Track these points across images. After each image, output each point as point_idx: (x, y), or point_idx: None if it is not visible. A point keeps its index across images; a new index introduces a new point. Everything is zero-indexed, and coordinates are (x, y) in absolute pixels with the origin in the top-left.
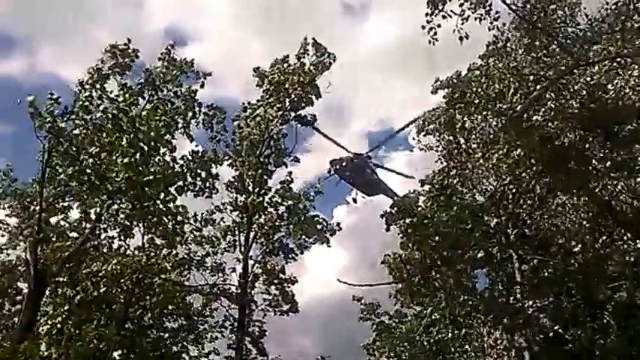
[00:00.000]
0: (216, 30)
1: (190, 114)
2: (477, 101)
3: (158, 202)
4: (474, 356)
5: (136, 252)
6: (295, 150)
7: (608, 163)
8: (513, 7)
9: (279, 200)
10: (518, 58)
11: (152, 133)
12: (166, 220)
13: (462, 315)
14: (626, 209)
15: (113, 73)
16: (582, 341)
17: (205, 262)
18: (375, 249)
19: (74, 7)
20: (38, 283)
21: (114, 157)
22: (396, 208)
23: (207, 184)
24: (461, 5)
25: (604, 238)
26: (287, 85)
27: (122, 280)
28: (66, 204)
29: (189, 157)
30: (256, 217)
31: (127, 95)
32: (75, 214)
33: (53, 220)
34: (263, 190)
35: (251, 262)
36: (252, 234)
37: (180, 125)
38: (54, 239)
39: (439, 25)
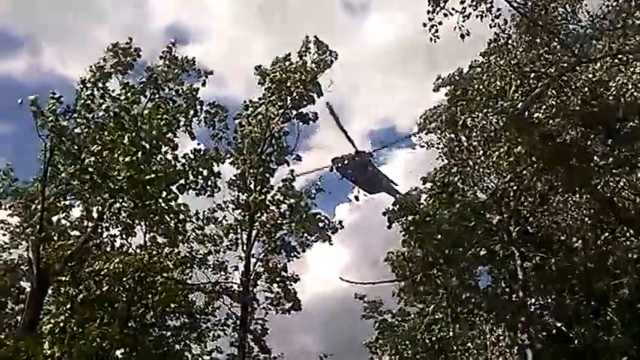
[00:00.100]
0: (217, 29)
1: (192, 112)
2: (478, 98)
3: (160, 200)
4: (476, 354)
5: (138, 250)
6: (297, 148)
7: (610, 160)
8: (514, 4)
9: (281, 198)
10: (519, 55)
11: (154, 132)
12: (168, 219)
13: (464, 313)
14: (628, 206)
15: (115, 72)
16: (585, 338)
17: (207, 260)
18: (377, 247)
19: (75, 6)
20: (41, 282)
21: (116, 156)
22: (398, 206)
23: (209, 183)
24: (462, 2)
25: (606, 235)
26: (289, 83)
27: (124, 279)
28: (67, 203)
29: (191, 156)
30: (258, 215)
31: (128, 94)
32: (76, 212)
33: (54, 218)
34: (265, 188)
35: (253, 260)
36: (254, 232)
37: (181, 123)
38: (56, 238)
39: (440, 23)
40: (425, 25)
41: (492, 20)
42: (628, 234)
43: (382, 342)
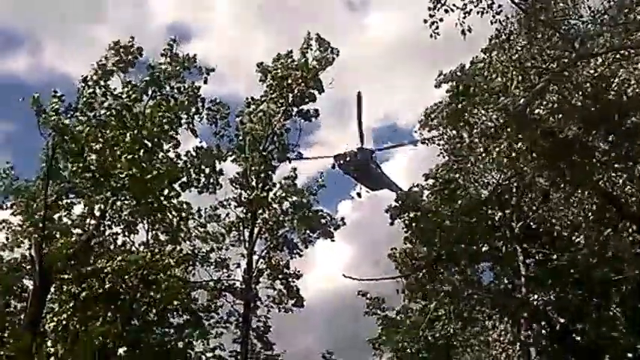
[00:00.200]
0: (218, 27)
1: (194, 110)
2: (479, 95)
3: (162, 198)
4: (479, 350)
5: (141, 248)
6: (299, 145)
7: (612, 155)
8: (516, 0)
9: (284, 195)
10: (520, 50)
11: (156, 130)
12: (170, 216)
13: (466, 309)
14: (630, 201)
15: (117, 70)
16: (589, 334)
17: (210, 257)
18: (379, 243)
19: (76, 4)
20: (43, 281)
21: (118, 154)
22: (400, 203)
23: (211, 180)
24: None
25: (609, 230)
26: (290, 81)
27: (127, 277)
28: (69, 201)
29: (193, 153)
30: (260, 212)
31: (130, 92)
32: (78, 210)
33: (57, 217)
34: (267, 186)
35: (255, 258)
36: (256, 229)
37: (183, 121)
38: (58, 236)
39: (441, 20)
40: (426, 21)
41: (493, 16)
42: (630, 229)
43: (385, 338)
